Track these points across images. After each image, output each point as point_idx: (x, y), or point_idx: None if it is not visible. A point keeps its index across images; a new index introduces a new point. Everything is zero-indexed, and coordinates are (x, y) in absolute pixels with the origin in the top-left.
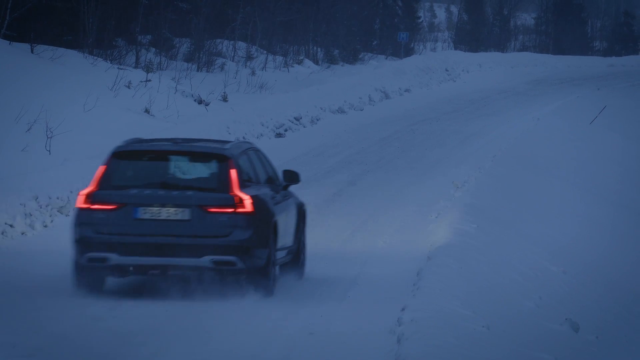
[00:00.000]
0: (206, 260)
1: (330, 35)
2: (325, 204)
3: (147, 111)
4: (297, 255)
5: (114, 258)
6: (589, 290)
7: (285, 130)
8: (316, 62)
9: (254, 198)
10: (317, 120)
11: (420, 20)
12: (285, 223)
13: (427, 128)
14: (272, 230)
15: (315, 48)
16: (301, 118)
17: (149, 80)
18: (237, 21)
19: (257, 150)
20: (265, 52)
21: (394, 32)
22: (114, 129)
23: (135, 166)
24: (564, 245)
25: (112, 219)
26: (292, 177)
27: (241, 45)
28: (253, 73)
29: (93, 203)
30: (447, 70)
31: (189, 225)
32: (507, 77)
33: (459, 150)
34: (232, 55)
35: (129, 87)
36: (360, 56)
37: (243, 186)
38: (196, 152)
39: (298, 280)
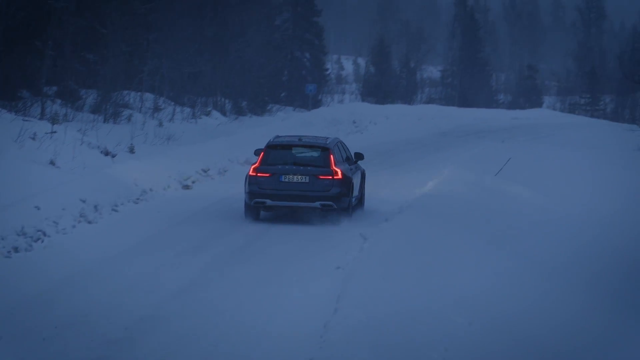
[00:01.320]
0: (317, 203)
1: (238, 86)
2: (237, 252)
3: (52, 163)
4: (361, 200)
5: (269, 202)
6: (496, 343)
7: (193, 182)
8: (224, 114)
9: (342, 171)
10: (225, 171)
11: (328, 72)
12: (356, 183)
13: None
14: (351, 188)
15: (223, 99)
16: (209, 169)
17: (55, 132)
18: (144, 72)
19: (342, 142)
20: (172, 103)
21: (302, 84)
22: (19, 180)
23: (279, 152)
24: (471, 297)
25: (267, 181)
26: (359, 156)
27: (148, 96)
28: (160, 124)
29: (257, 172)
30: (354, 122)
31: (308, 185)
32: (414, 129)
33: (366, 201)
34: (140, 106)
35: (34, 138)
36: (268, 108)
37: (336, 164)
38: (311, 145)
39: (361, 212)
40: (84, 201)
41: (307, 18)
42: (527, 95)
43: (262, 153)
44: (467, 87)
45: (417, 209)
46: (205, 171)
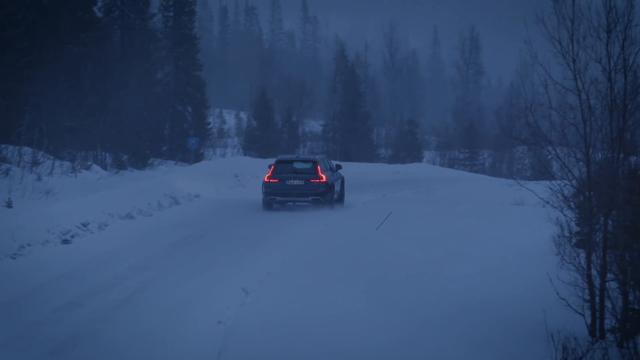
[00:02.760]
0: (310, 198)
1: (119, 140)
2: (110, 314)
3: None
4: (340, 198)
5: (278, 198)
6: None
7: (72, 237)
8: (105, 168)
9: (327, 176)
10: (106, 226)
11: (210, 126)
12: (337, 185)
13: (217, 233)
14: (332, 188)
15: (103, 153)
16: (89, 224)
17: None
18: (22, 126)
19: (326, 158)
20: (52, 157)
21: (184, 138)
22: None
23: (284, 165)
24: (349, 348)
25: (277, 185)
26: (339, 167)
27: (27, 150)
28: (39, 178)
29: (270, 179)
30: (236, 175)
31: (303, 186)
32: None
33: (249, 255)
34: (18, 160)
35: None
36: (150, 161)
37: (322, 172)
38: (305, 160)
39: (341, 206)
40: None
41: (188, 72)
42: (407, 150)
43: (273, 166)
44: (349, 141)
45: (296, 262)
46: (85, 225)
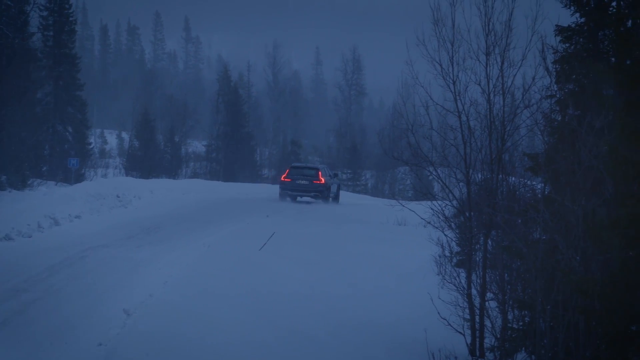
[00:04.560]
0: (312, 194)
1: None
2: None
3: None
4: (336, 197)
5: (289, 192)
6: None
7: None
8: None
9: (325, 180)
10: None
11: (91, 147)
12: (333, 187)
13: (99, 255)
14: (329, 188)
15: None
16: None
17: None
18: None
19: (327, 166)
20: None
21: (64, 158)
22: None
23: (295, 170)
24: None
25: (290, 183)
26: (335, 175)
27: None
28: None
29: (285, 179)
30: (118, 196)
31: (308, 185)
32: (179, 203)
33: (131, 277)
34: None
35: None
36: (29, 182)
37: (322, 176)
38: (311, 167)
39: (337, 202)
40: None
41: (69, 91)
42: None
43: (288, 170)
44: (232, 162)
45: (180, 283)
46: None
